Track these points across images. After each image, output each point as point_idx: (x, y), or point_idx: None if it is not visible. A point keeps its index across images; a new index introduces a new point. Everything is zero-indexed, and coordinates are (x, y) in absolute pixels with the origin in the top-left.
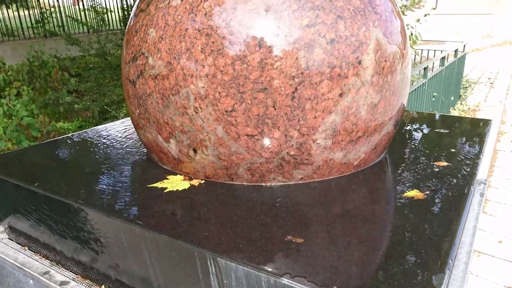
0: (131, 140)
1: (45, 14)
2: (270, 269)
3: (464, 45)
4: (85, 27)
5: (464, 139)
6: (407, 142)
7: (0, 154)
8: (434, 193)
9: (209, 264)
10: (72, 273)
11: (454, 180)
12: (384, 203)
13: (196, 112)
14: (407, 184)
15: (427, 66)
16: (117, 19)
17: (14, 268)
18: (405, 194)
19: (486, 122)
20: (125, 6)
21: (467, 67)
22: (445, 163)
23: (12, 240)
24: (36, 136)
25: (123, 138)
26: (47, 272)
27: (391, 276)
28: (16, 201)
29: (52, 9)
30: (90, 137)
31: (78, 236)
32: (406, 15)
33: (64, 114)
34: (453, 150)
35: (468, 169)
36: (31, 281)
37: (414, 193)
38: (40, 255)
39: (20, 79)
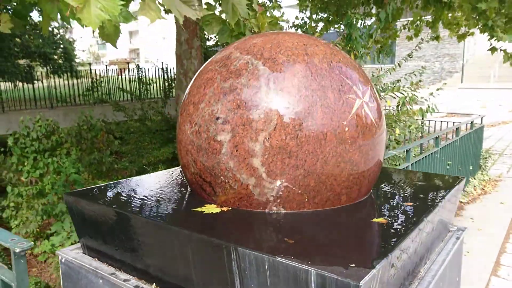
0: (177, 181)
1: (95, 84)
2: (269, 254)
3: (482, 118)
4: (129, 95)
5: (435, 189)
6: (388, 188)
7: (77, 191)
8: (395, 220)
9: (232, 252)
10: (131, 276)
11: (413, 214)
12: (356, 222)
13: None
14: (377, 214)
15: (439, 136)
16: (159, 89)
17: (88, 271)
18: (373, 219)
19: (457, 179)
20: (166, 77)
21: (492, 139)
22: (411, 203)
23: (86, 254)
24: None
25: (171, 180)
26: (113, 273)
27: (343, 260)
28: (90, 224)
29: (102, 79)
30: (145, 180)
31: (137, 248)
32: (384, 99)
33: (106, 172)
34: (421, 195)
35: (426, 207)
36: (101, 281)
37: (380, 219)
38: (106, 263)
39: (69, 140)
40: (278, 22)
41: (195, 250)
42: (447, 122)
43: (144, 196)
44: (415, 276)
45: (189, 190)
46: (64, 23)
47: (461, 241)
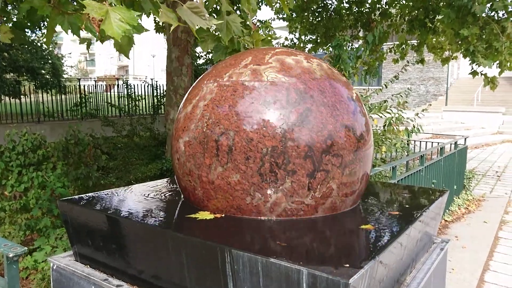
0: (171, 190)
1: (83, 99)
2: (262, 255)
3: (465, 139)
4: (118, 110)
5: (419, 200)
6: (375, 198)
7: (72, 198)
8: (381, 227)
9: (226, 254)
10: (123, 282)
11: (398, 221)
12: (346, 228)
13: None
14: (365, 221)
15: (424, 154)
16: (148, 105)
17: (80, 277)
18: (361, 226)
19: (441, 191)
20: (155, 94)
21: (475, 161)
22: (397, 212)
23: (78, 261)
24: None
25: (165, 189)
26: (106, 279)
27: (333, 261)
28: (84, 230)
29: (90, 94)
30: (139, 189)
31: (130, 254)
32: (371, 119)
33: (92, 188)
34: (407, 206)
35: (411, 216)
36: (93, 287)
37: (367, 226)
38: (99, 270)
39: (56, 155)
40: (271, 39)
41: (190, 253)
42: (432, 142)
43: (138, 203)
44: (401, 284)
45: (182, 198)
46: (74, 35)
47: (445, 252)
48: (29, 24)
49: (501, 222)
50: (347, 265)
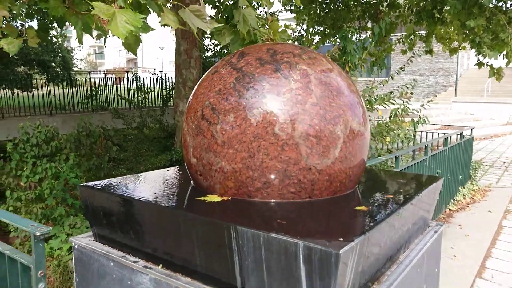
0: (182, 176)
1: (93, 91)
2: (264, 231)
3: (471, 129)
4: (127, 103)
5: (414, 186)
6: (373, 183)
7: (91, 183)
8: (374, 208)
9: (232, 231)
10: (139, 259)
11: (391, 204)
12: (341, 209)
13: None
14: (360, 203)
15: (428, 145)
16: (157, 97)
17: (99, 255)
18: (356, 207)
19: (436, 178)
20: (164, 86)
21: (484, 152)
22: (391, 195)
23: (97, 241)
24: (79, 195)
25: (177, 175)
26: (123, 256)
27: (327, 236)
28: (103, 212)
29: (100, 87)
30: (153, 175)
31: (145, 233)
32: (376, 109)
33: (104, 178)
34: (401, 190)
35: (403, 199)
36: (111, 263)
37: (362, 208)
38: (116, 249)
39: (68, 146)
40: (286, 30)
41: (199, 231)
42: (438, 133)
43: (151, 187)
44: (394, 261)
45: (192, 183)
46: (86, 33)
47: (439, 234)
48: (50, 25)
49: (506, 212)
50: (340, 240)
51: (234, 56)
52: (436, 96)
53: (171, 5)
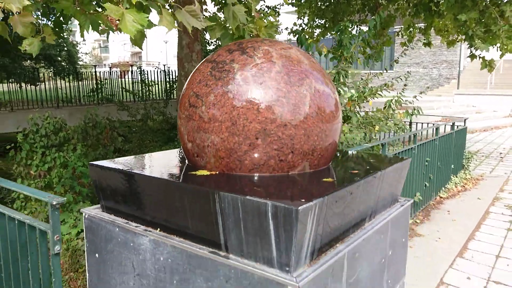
0: (179, 156)
1: (99, 85)
2: (241, 195)
3: (465, 120)
4: (132, 96)
5: (381, 164)
6: (346, 162)
7: (99, 162)
8: (338, 180)
9: (215, 196)
10: (140, 224)
11: (355, 177)
12: (313, 179)
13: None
14: (328, 176)
15: (416, 133)
16: (161, 90)
17: (107, 222)
18: (324, 179)
19: (402, 159)
20: (168, 79)
21: (482, 143)
22: (356, 171)
23: (104, 212)
24: (86, 183)
25: (175, 156)
26: (127, 223)
27: (292, 198)
28: (109, 187)
29: (106, 81)
30: (154, 156)
31: (145, 203)
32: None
33: None
34: (368, 167)
35: (365, 173)
36: (117, 229)
37: (328, 179)
38: (121, 217)
39: (76, 137)
40: (275, 27)
41: (190, 198)
42: (433, 123)
43: (152, 166)
44: (360, 227)
45: (186, 162)
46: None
47: (406, 208)
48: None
49: (495, 199)
50: (302, 201)
51: (210, 55)
52: (428, 87)
53: (168, 7)
